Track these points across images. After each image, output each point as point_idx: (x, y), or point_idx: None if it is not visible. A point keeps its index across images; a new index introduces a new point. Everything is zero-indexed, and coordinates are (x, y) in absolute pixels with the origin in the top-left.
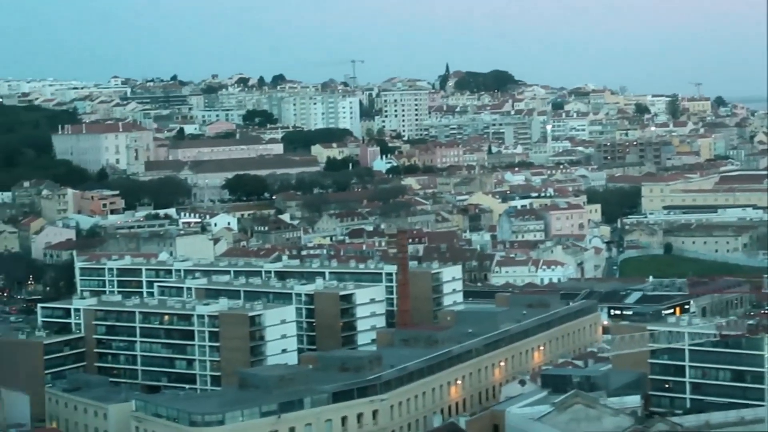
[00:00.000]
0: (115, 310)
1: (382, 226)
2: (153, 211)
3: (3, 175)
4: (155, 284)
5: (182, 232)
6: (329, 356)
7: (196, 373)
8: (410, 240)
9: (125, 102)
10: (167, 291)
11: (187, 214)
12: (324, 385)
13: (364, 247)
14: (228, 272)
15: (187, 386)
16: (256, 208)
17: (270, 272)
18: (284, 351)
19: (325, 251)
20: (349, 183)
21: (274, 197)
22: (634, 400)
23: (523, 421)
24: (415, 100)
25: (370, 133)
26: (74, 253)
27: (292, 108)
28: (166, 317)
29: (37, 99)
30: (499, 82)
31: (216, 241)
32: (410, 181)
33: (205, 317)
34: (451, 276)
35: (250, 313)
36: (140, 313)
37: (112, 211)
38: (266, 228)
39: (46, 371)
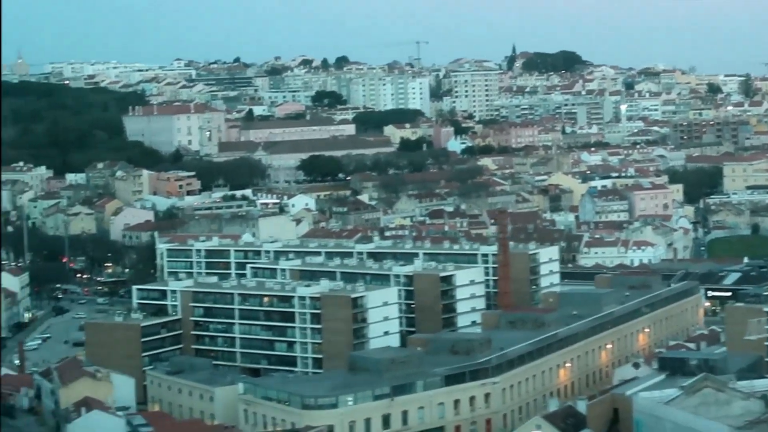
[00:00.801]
0: (213, 291)
1: (462, 206)
2: (229, 192)
3: (76, 157)
4: (248, 266)
5: (263, 213)
6: (438, 339)
7: (296, 356)
8: (492, 221)
9: (192, 84)
10: (260, 272)
11: (263, 195)
12: (435, 368)
13: (446, 227)
14: (319, 253)
15: (288, 369)
16: (332, 189)
17: (362, 253)
18: (386, 333)
19: (407, 232)
20: (424, 164)
21: (349, 178)
22: (763, 384)
23: (652, 405)
24: (486, 80)
25: (442, 114)
26: (155, 234)
27: (361, 89)
28: (266, 299)
29: (103, 81)
30: (567, 63)
31: (297, 222)
32: (486, 162)
33: (307, 299)
34: (548, 257)
35: (353, 295)
36: (239, 294)
37: (188, 192)
38: (345, 209)
39: (144, 354)
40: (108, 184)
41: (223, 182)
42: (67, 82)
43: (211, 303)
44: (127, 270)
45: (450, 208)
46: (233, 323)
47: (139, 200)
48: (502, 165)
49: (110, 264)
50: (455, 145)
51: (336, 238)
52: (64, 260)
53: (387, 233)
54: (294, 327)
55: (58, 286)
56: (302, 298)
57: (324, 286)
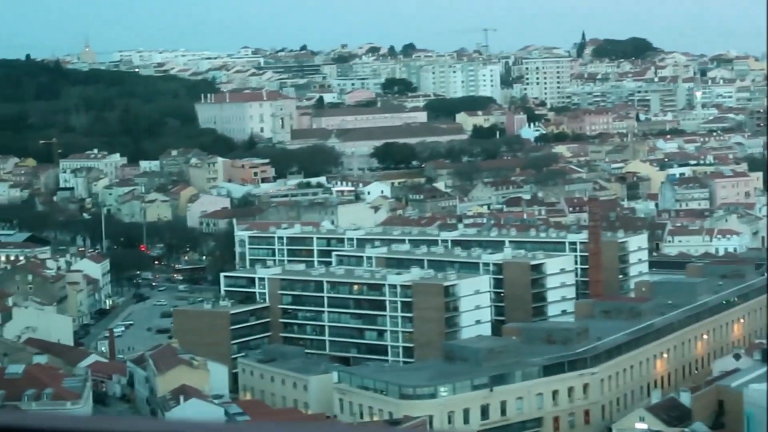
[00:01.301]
0: (301, 279)
1: (539, 194)
2: (304, 180)
3: (149, 145)
4: (333, 253)
5: (341, 200)
6: (534, 328)
7: (387, 345)
8: (571, 209)
9: (261, 71)
10: (345, 260)
11: (338, 183)
12: (532, 358)
13: (524, 215)
14: (403, 241)
15: (377, 357)
16: (406, 177)
17: (446, 241)
18: (478, 322)
19: (485, 220)
20: (498, 151)
21: (423, 165)
22: None
23: (764, 398)
24: (557, 67)
25: (514, 101)
26: (234, 221)
27: (431, 76)
28: (356, 287)
29: (172, 69)
30: (638, 50)
31: (376, 209)
32: (561, 149)
33: (398, 287)
34: (637, 245)
35: (445, 283)
36: (328, 282)
37: (263, 180)
38: (421, 196)
39: (232, 341)
40: (182, 171)
41: (297, 169)
42: (136, 69)
43: (300, 291)
44: (204, 257)
45: (527, 196)
46: (322, 311)
47: (213, 187)
48: (577, 152)
49: (187, 251)
50: (529, 132)
51: (415, 226)
52: (142, 247)
53: (465, 221)
54: (384, 315)
55: (137, 272)
56: (393, 286)
57: (415, 274)
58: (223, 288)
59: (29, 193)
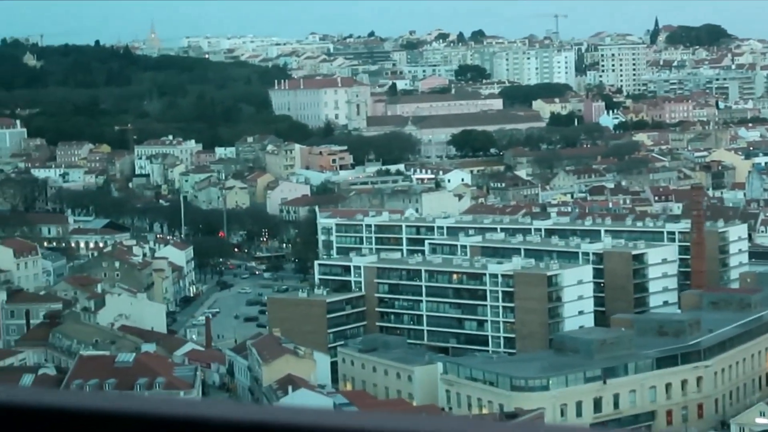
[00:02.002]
0: (399, 268)
1: (623, 183)
2: (383, 167)
3: (224, 131)
4: (426, 242)
5: (424, 188)
6: (645, 319)
7: (487, 335)
8: (656, 198)
9: (332, 58)
10: (438, 248)
11: (417, 170)
12: (644, 350)
13: (610, 204)
14: (495, 229)
15: (477, 348)
16: (485, 164)
17: (540, 230)
18: (581, 313)
19: (570, 208)
20: (577, 139)
21: (501, 153)
22: None
23: None
24: (633, 54)
25: (590, 89)
26: (317, 209)
27: (505, 63)
28: (455, 276)
29: (242, 55)
30: (712, 37)
31: (459, 197)
32: (641, 137)
33: (499, 276)
34: (737, 235)
35: (548, 273)
36: (426, 271)
37: (341, 167)
38: (503, 184)
39: (328, 330)
40: (258, 157)
41: (374, 157)
42: (206, 56)
43: (397, 279)
44: (284, 245)
45: (610, 185)
46: (420, 300)
47: (291, 174)
48: (657, 141)
49: (266, 238)
50: (607, 120)
51: (499, 214)
52: (221, 234)
53: (549, 209)
54: (485, 305)
55: (220, 260)
56: (494, 275)
57: (516, 263)
58: (317, 276)
59: (104, 179)
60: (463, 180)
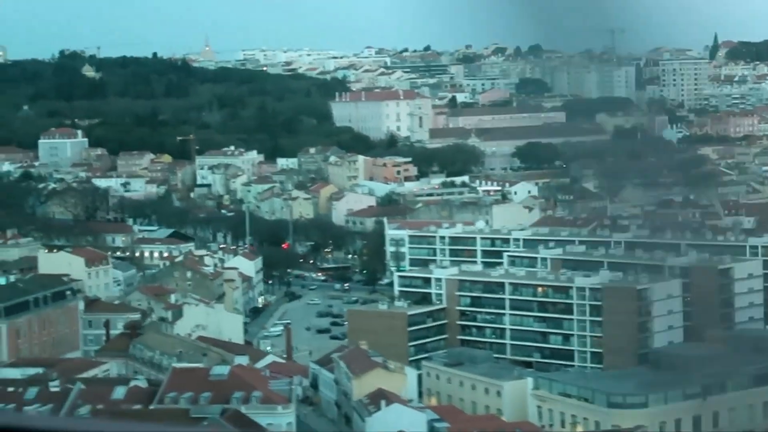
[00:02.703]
0: (481, 280)
1: (692, 196)
2: (448, 179)
3: (285, 142)
4: (504, 254)
5: (494, 200)
6: (741, 335)
7: (573, 349)
8: (726, 212)
9: (390, 71)
10: (518, 261)
11: (482, 182)
12: (743, 367)
13: (679, 218)
14: (572, 242)
15: (563, 363)
16: (550, 177)
17: (620, 243)
18: (670, 328)
19: (640, 222)
20: (642, 152)
21: (566, 165)
22: None
23: None
24: (694, 69)
25: (652, 103)
26: (385, 220)
27: (565, 77)
28: (540, 289)
29: (299, 68)
30: None
31: (529, 209)
32: (706, 151)
33: (586, 290)
34: None
35: (638, 287)
36: (510, 284)
37: (405, 179)
38: (571, 197)
39: (409, 344)
40: (320, 168)
41: (438, 168)
42: (264, 68)
43: (479, 292)
44: (349, 256)
45: (678, 198)
46: (503, 314)
47: (355, 185)
48: (722, 155)
49: (329, 249)
50: (671, 134)
51: (570, 227)
52: (285, 246)
53: (622, 222)
54: (571, 319)
55: (288, 270)
56: (581, 288)
57: (603, 276)
58: (396, 288)
59: (166, 188)
60: (530, 192)
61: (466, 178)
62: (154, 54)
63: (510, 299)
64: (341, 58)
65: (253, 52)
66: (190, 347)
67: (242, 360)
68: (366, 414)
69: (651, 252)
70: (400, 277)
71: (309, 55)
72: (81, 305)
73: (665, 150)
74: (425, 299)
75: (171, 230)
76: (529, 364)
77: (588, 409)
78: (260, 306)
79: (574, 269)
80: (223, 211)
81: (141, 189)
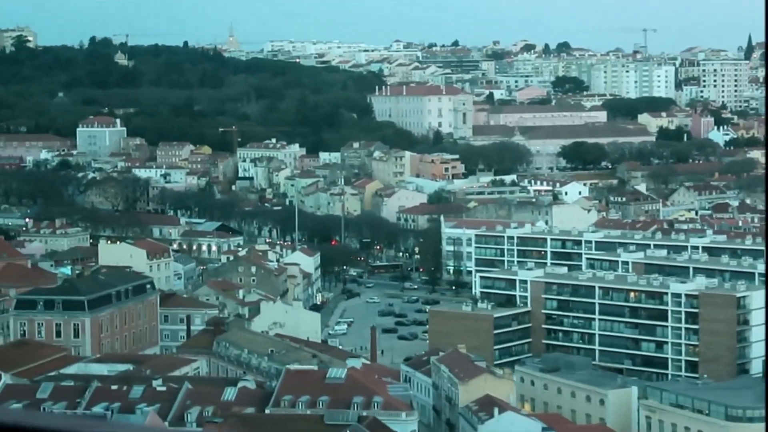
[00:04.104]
0: (569, 283)
1: (747, 200)
2: (497, 177)
3: (327, 136)
4: (584, 256)
5: (552, 201)
6: None
7: (667, 357)
8: None
9: (424, 66)
10: (596, 264)
11: (531, 182)
12: None
13: (739, 222)
14: (648, 246)
15: (654, 371)
16: (598, 178)
17: (697, 247)
18: None
19: (697, 225)
20: (689, 154)
21: (613, 166)
22: None
23: None
24: (735, 70)
25: (695, 104)
26: (441, 218)
27: (602, 75)
28: (632, 294)
29: (333, 60)
30: None
31: (588, 210)
32: (755, 155)
33: (682, 296)
34: None
35: (737, 294)
36: (600, 288)
37: (453, 176)
38: (623, 199)
39: (494, 347)
40: (364, 164)
41: (484, 167)
42: (297, 60)
43: (568, 296)
44: (400, 254)
45: (733, 202)
46: (593, 318)
47: (400, 182)
48: None
49: (380, 246)
50: (717, 136)
51: (630, 229)
52: (333, 242)
53: (676, 226)
54: (665, 326)
55: (344, 267)
56: (677, 294)
57: (699, 282)
58: (478, 289)
59: (207, 180)
60: (580, 193)
61: (514, 177)
62: (185, 43)
63: (600, 304)
64: (372, 51)
65: (281, 43)
66: (282, 346)
67: (355, 363)
68: (477, 421)
69: (734, 257)
70: (482, 278)
71: (339, 47)
72: (158, 299)
73: (713, 152)
74: (509, 301)
75: (218, 223)
76: (619, 371)
77: (703, 422)
78: (318, 303)
79: (658, 273)
80: (266, 204)
81: (181, 180)
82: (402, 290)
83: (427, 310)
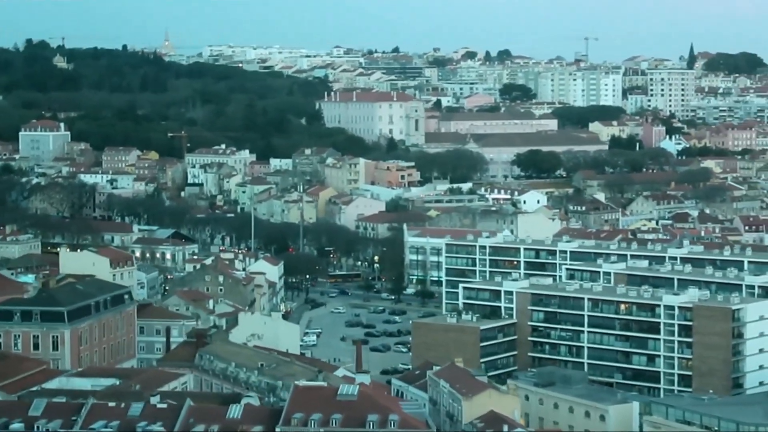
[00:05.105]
0: (557, 295)
1: (707, 210)
2: (454, 185)
3: (277, 142)
4: (563, 267)
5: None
6: None
7: (659, 371)
8: (746, 227)
9: (369, 72)
10: (576, 274)
11: (488, 190)
12: None
13: (701, 233)
14: (625, 256)
15: (644, 384)
16: (554, 186)
17: (675, 258)
18: (761, 351)
19: (660, 235)
20: (643, 163)
21: (567, 175)
22: None
23: None
24: (682, 80)
25: (643, 113)
26: (404, 227)
27: (550, 83)
28: (623, 306)
29: (276, 65)
30: (750, 65)
31: (552, 220)
32: (709, 164)
33: (675, 308)
34: None
35: (733, 307)
36: (589, 299)
37: (409, 183)
38: (583, 208)
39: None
40: (317, 170)
41: (439, 174)
42: (240, 65)
43: (555, 308)
44: (359, 262)
45: (694, 212)
46: (581, 331)
47: (355, 189)
48: (724, 168)
49: (336, 255)
50: (669, 145)
51: (593, 239)
52: (290, 250)
53: (638, 236)
54: (658, 339)
55: (307, 276)
56: (669, 307)
57: (692, 294)
58: (461, 300)
59: (155, 187)
60: (539, 201)
61: (471, 185)
62: (124, 46)
63: (589, 315)
64: (314, 56)
65: (220, 48)
66: (271, 360)
67: (364, 378)
68: None
69: (719, 269)
70: (466, 288)
71: (280, 52)
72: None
73: (667, 162)
74: (494, 313)
75: (171, 230)
76: (609, 385)
77: None
78: (283, 313)
79: (640, 285)
80: (217, 211)
81: (129, 186)
82: (366, 300)
83: (411, 323)
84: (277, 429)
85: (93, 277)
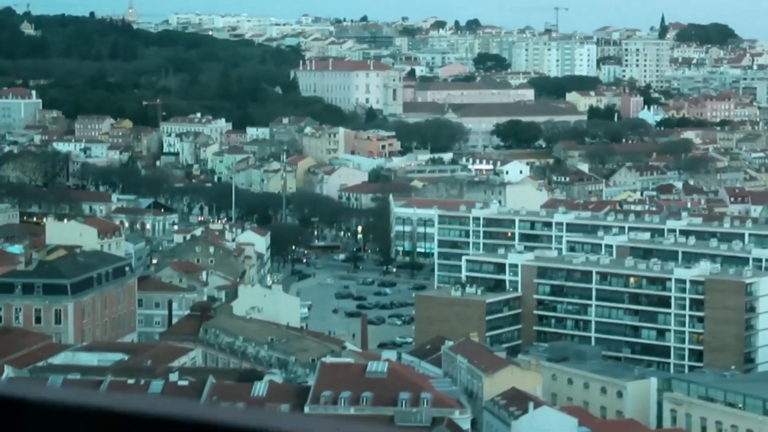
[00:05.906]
0: (564, 268)
1: (691, 181)
2: (436, 156)
3: (254, 111)
4: (564, 239)
5: (501, 181)
6: None
7: (669, 345)
8: (731, 199)
9: (341, 41)
10: (578, 247)
11: (470, 160)
12: None
13: (688, 204)
14: (623, 228)
15: (654, 359)
16: (535, 157)
17: (674, 230)
18: None
19: (646, 206)
20: (624, 134)
21: (548, 145)
22: None
23: None
24: (657, 50)
25: (619, 82)
26: (391, 197)
27: (524, 53)
28: (632, 279)
29: (246, 34)
30: (722, 36)
31: (540, 190)
32: (689, 135)
33: (687, 282)
34: None
35: (746, 281)
36: (597, 273)
37: (390, 153)
38: (567, 179)
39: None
40: (295, 140)
41: (419, 144)
42: (210, 32)
43: (562, 280)
44: (342, 233)
45: (678, 183)
46: (589, 304)
47: (334, 159)
48: (704, 139)
49: (318, 226)
50: (648, 116)
51: (582, 210)
52: (271, 221)
53: (625, 207)
54: (668, 313)
55: (293, 247)
56: (681, 280)
57: (704, 268)
58: (464, 272)
59: (129, 155)
60: (521, 172)
61: (452, 155)
62: (92, 13)
63: (597, 289)
64: (284, 25)
65: (187, 16)
66: (281, 334)
67: (390, 354)
68: (508, 417)
69: (723, 241)
70: (469, 261)
71: (249, 21)
72: (135, 283)
73: (647, 133)
74: (498, 286)
75: (150, 200)
76: (617, 359)
77: (739, 416)
78: (270, 285)
79: (644, 257)
80: (194, 181)
81: (103, 155)
82: (352, 271)
83: (414, 296)
84: (306, 407)
85: (81, 248)
